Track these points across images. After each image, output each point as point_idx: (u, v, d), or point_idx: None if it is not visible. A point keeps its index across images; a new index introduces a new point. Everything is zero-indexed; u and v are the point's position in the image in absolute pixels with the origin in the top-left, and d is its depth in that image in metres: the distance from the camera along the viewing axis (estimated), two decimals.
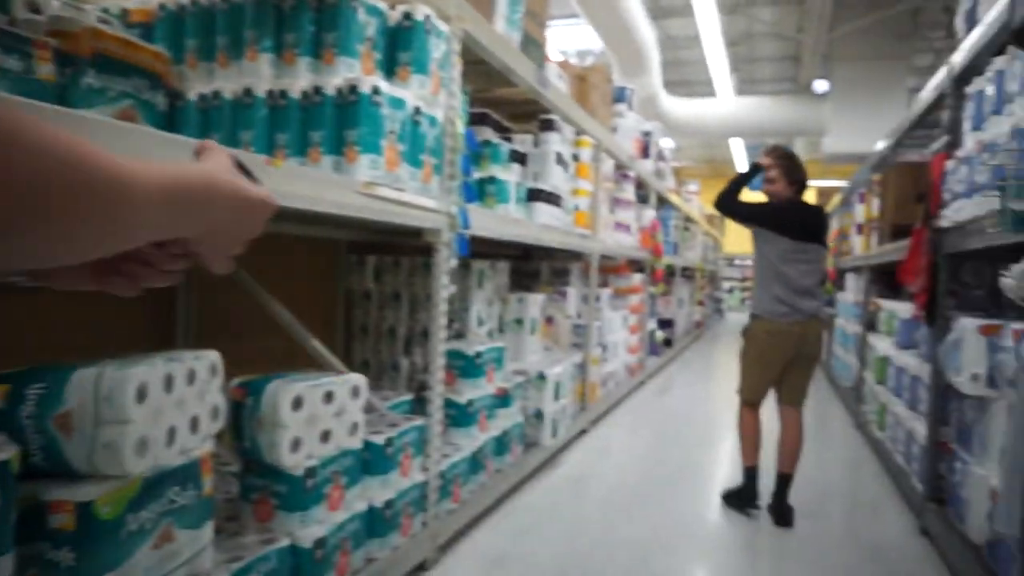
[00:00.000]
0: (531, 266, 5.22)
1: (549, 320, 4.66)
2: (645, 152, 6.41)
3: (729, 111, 12.38)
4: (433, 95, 2.30)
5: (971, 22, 2.83)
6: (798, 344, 3.24)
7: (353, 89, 1.95)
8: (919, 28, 10.41)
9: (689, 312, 10.93)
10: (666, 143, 11.25)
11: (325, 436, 2.01)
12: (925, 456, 3.17)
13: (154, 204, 0.51)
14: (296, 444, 1.90)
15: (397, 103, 2.08)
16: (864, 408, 5.16)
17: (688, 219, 10.23)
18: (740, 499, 3.35)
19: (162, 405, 1.46)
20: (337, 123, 1.96)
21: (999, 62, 2.41)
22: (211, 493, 1.67)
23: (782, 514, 3.19)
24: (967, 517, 2.57)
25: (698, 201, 11.37)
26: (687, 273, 10.99)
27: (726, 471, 4.09)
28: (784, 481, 3.25)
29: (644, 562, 2.71)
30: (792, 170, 3.33)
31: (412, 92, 2.19)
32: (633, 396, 6.26)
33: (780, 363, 3.28)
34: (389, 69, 2.21)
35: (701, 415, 5.90)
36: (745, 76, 13.72)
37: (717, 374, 8.37)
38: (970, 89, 2.76)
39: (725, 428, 5.06)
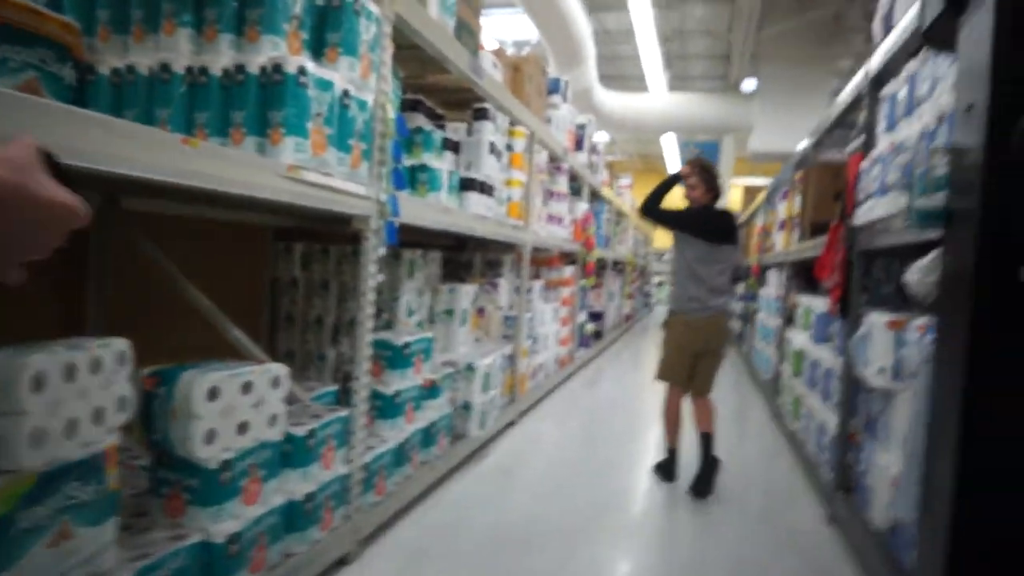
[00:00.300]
0: (464, 257, 5.20)
1: (480, 311, 4.65)
2: (579, 145, 6.46)
3: (662, 106, 12.63)
4: (363, 78, 2.24)
5: (887, 26, 2.95)
6: (707, 337, 3.63)
7: (278, 68, 1.88)
8: (841, 32, 10.84)
9: (619, 305, 11.12)
10: (600, 137, 11.38)
11: (242, 428, 1.94)
12: (835, 446, 3.31)
13: None
14: (211, 436, 1.83)
15: (324, 85, 2.01)
16: (781, 399, 5.36)
17: (620, 213, 10.39)
18: (666, 472, 3.77)
19: (62, 395, 1.37)
20: (261, 103, 1.89)
21: (911, 65, 2.52)
22: (116, 488, 1.59)
23: (702, 484, 3.57)
24: (871, 504, 2.70)
25: (630, 195, 11.57)
26: (618, 267, 11.17)
27: (653, 459, 4.18)
28: (707, 439, 3.64)
29: (570, 550, 2.74)
30: (710, 179, 3.71)
31: (341, 74, 2.12)
32: (563, 387, 6.32)
33: (693, 351, 3.65)
34: (317, 50, 2.14)
35: (629, 405, 6.01)
36: (678, 72, 14.01)
37: (645, 365, 8.54)
38: (885, 92, 2.88)
39: (652, 418, 5.16)
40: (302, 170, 1.91)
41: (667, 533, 3.06)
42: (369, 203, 2.37)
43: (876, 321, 2.71)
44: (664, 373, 3.73)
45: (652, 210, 3.80)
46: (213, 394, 1.82)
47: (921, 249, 2.07)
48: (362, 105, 2.24)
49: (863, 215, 2.88)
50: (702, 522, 3.18)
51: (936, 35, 1.38)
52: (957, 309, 1.16)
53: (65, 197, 0.55)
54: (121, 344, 1.59)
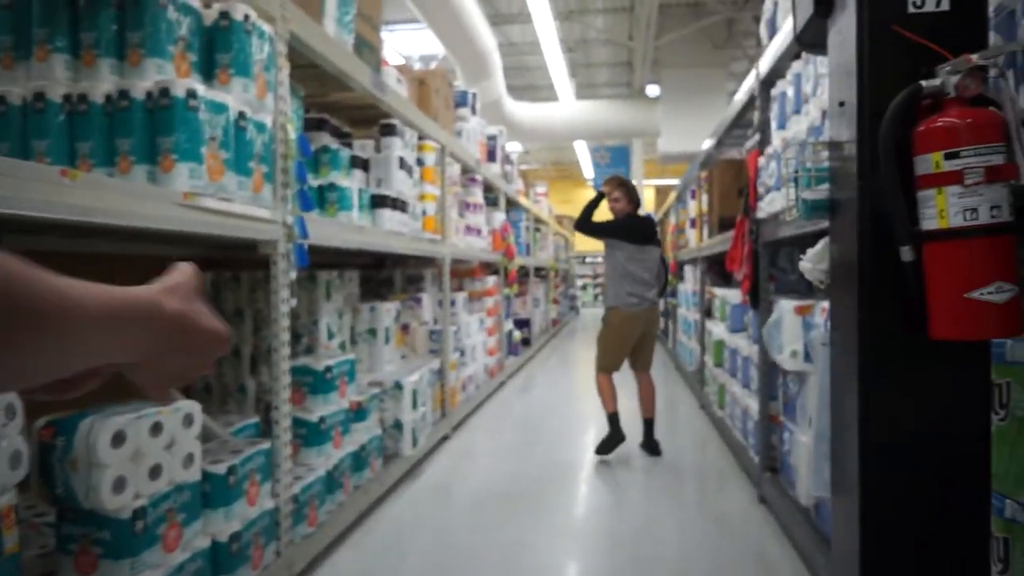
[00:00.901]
0: (383, 274, 5.13)
1: (405, 328, 4.59)
2: (491, 156, 6.49)
3: (570, 114, 12.85)
4: (259, 99, 2.18)
5: (772, 29, 3.10)
6: (645, 325, 4.30)
7: (165, 93, 1.80)
8: (734, 37, 11.36)
9: (545, 311, 11.21)
10: (513, 146, 11.48)
11: (155, 472, 1.84)
12: (759, 430, 3.43)
13: (92, 329, 0.48)
14: (120, 484, 1.73)
15: (217, 108, 1.94)
16: (707, 389, 5.52)
17: (538, 220, 10.49)
18: (610, 444, 4.16)
19: None
20: (148, 130, 1.80)
21: (797, 66, 2.66)
22: (16, 550, 1.47)
23: (652, 448, 4.25)
24: (796, 483, 2.81)
25: (547, 202, 11.70)
26: (541, 273, 11.27)
27: (592, 461, 4.23)
28: (649, 424, 4.31)
29: (513, 564, 2.73)
30: (631, 192, 4.39)
31: (234, 96, 2.05)
32: (495, 397, 6.31)
33: (633, 340, 4.29)
34: (207, 71, 2.07)
35: (563, 409, 6.06)
36: (584, 80, 14.32)
37: (577, 368, 8.64)
38: (775, 91, 3.03)
39: (587, 419, 5.22)
40: (199, 196, 1.83)
41: (609, 533, 3.08)
42: (275, 227, 2.30)
43: (785, 307, 2.82)
44: (606, 364, 4.27)
45: (585, 226, 4.43)
46: (119, 439, 1.72)
47: (820, 237, 2.18)
48: (260, 127, 2.17)
49: (764, 208, 3.01)
50: (641, 515, 3.22)
51: (808, 38, 1.45)
52: (846, 292, 1.21)
53: (219, 326, 0.57)
54: (7, 397, 1.48)
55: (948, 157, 1.03)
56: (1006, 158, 1.03)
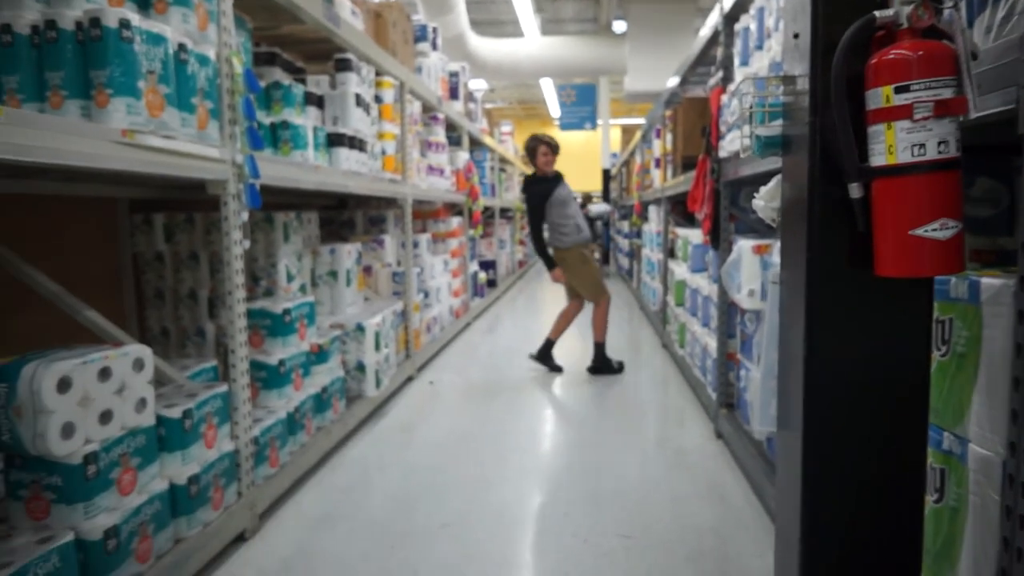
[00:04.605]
0: (345, 215, 5.04)
1: (367, 270, 4.54)
2: (454, 93, 6.33)
3: (536, 51, 12.57)
4: (201, 31, 2.07)
5: None
6: (589, 256, 4.95)
7: (96, 23, 1.69)
8: None
9: (511, 252, 11.19)
10: (477, 84, 11.22)
11: (105, 417, 1.81)
12: (716, 367, 3.51)
13: None
14: (68, 430, 1.70)
15: (155, 39, 1.84)
16: (668, 329, 5.60)
17: (504, 160, 10.36)
18: (548, 356, 4.98)
19: None
20: (80, 63, 1.70)
21: (760, 0, 2.61)
22: None
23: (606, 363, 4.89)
24: (750, 418, 2.89)
25: (513, 142, 11.54)
26: (507, 214, 11.20)
27: (555, 399, 4.29)
28: (600, 348, 4.90)
29: (478, 500, 2.78)
30: (556, 148, 4.98)
31: (173, 27, 1.95)
32: (460, 338, 6.34)
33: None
34: (143, 1, 1.95)
35: (528, 348, 6.10)
36: (550, 16, 13.93)
37: (541, 308, 8.69)
38: (738, 26, 2.97)
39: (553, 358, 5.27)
40: (139, 134, 1.75)
41: (570, 469, 3.15)
42: (223, 166, 2.22)
43: (744, 247, 2.84)
44: (600, 291, 4.85)
45: (538, 240, 4.91)
46: (64, 384, 1.68)
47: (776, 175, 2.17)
48: (203, 60, 2.07)
49: (726, 147, 3.00)
50: (601, 451, 3.30)
51: None
52: (796, 230, 1.22)
53: None
54: None
55: (898, 91, 1.02)
56: (955, 92, 1.02)
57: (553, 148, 4.94)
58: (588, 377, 4.67)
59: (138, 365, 1.95)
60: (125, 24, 1.73)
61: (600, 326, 4.84)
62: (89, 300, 2.29)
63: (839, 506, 1.22)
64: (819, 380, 1.19)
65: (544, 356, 4.94)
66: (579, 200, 5.11)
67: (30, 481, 1.72)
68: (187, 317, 3.32)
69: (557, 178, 4.94)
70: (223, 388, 2.36)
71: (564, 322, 4.94)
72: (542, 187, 4.89)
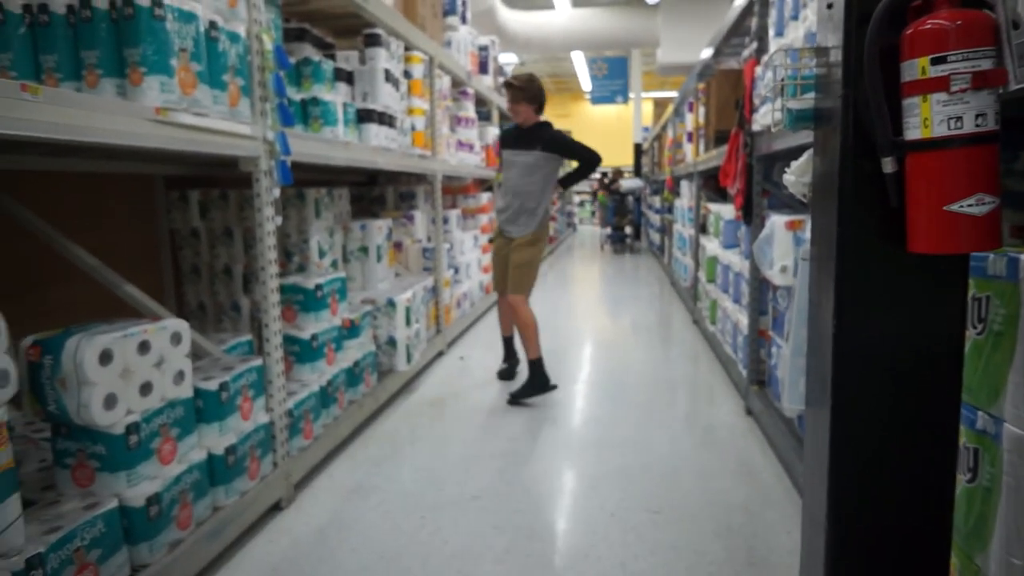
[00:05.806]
0: (376, 191, 5.07)
1: (398, 245, 4.58)
2: (483, 67, 6.29)
3: (567, 23, 12.37)
4: (231, 7, 2.09)
5: None
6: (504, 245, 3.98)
7: (129, 2, 1.72)
8: None
9: None
10: (507, 58, 11.11)
11: (145, 389, 1.87)
12: (748, 344, 3.48)
13: None
14: (111, 401, 1.76)
15: (186, 16, 1.86)
16: (699, 305, 5.56)
17: None
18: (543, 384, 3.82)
19: None
20: (114, 41, 1.73)
21: None
22: (11, 465, 1.51)
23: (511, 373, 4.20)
24: (781, 396, 2.86)
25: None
26: None
27: (586, 375, 4.30)
28: (509, 341, 4.26)
29: (509, 473, 2.82)
30: (532, 95, 3.90)
31: (204, 4, 1.96)
32: (490, 314, 6.36)
33: (498, 260, 4.03)
34: None
35: (558, 323, 6.11)
36: None
37: (572, 286, 8.68)
38: None
39: (583, 336, 5.28)
40: (173, 112, 1.78)
41: (599, 443, 3.17)
42: (255, 143, 2.24)
43: (777, 222, 2.80)
44: (528, 288, 3.88)
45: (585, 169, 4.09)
46: (106, 357, 1.74)
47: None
48: (233, 37, 2.09)
49: (759, 121, 2.93)
50: (631, 426, 3.31)
51: None
52: (827, 205, 1.19)
53: None
54: None
55: (935, 62, 0.99)
56: (995, 63, 0.98)
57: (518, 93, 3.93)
58: (618, 352, 4.50)
59: (176, 339, 2.00)
60: (157, 2, 1.75)
61: (531, 336, 3.80)
62: (128, 275, 2.36)
63: (867, 484, 1.21)
64: (848, 358, 1.18)
65: (539, 384, 3.78)
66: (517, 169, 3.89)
67: (76, 450, 1.79)
68: (223, 292, 3.39)
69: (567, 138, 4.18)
70: (258, 362, 2.41)
71: (529, 331, 3.81)
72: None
